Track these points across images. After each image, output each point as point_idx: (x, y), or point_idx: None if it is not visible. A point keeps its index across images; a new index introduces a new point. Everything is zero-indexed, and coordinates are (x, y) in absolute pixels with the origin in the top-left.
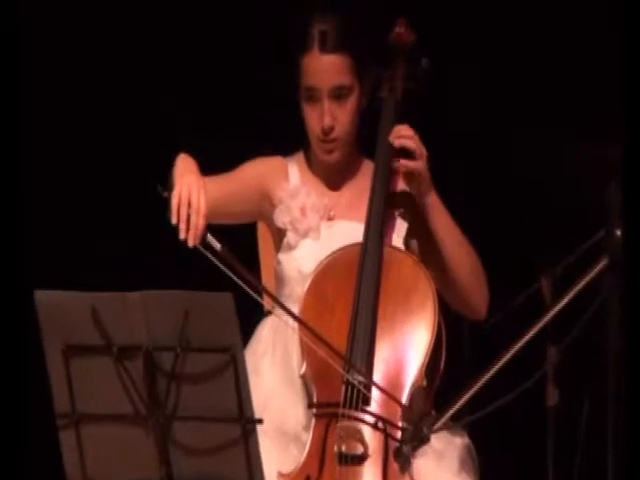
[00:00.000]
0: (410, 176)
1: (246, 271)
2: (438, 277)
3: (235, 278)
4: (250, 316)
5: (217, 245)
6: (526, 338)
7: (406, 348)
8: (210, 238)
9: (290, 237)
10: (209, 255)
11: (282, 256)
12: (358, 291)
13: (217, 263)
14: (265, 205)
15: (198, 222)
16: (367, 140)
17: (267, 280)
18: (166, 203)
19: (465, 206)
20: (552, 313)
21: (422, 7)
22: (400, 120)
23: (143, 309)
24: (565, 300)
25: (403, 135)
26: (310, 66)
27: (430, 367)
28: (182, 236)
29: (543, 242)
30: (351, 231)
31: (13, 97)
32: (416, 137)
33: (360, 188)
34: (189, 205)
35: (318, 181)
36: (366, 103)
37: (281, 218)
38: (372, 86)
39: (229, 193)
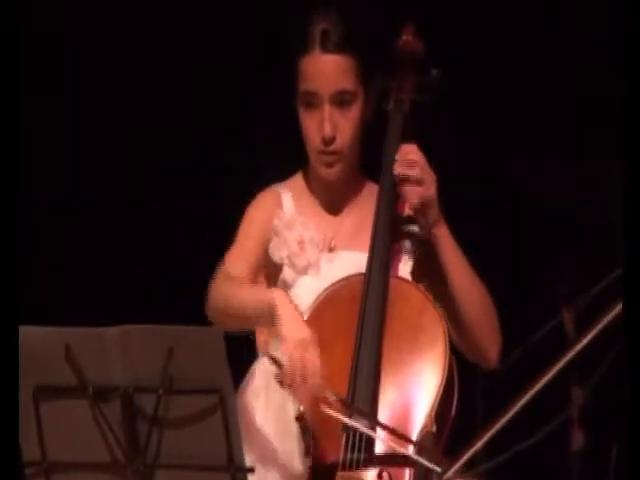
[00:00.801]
0: (417, 204)
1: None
2: (445, 317)
3: None
4: (241, 354)
5: (336, 398)
6: (546, 379)
7: (414, 391)
8: (329, 394)
9: (287, 274)
10: None
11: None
12: (360, 327)
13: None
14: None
15: (315, 385)
16: (371, 160)
17: (260, 334)
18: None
19: (480, 232)
20: (576, 350)
21: (431, 11)
22: (408, 136)
23: (122, 346)
24: (590, 336)
25: (408, 161)
26: (310, 68)
27: (440, 411)
28: (299, 402)
29: (564, 269)
30: (354, 262)
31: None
32: (422, 161)
33: (363, 213)
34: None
35: (316, 205)
36: (371, 115)
37: (277, 252)
38: (377, 97)
39: (258, 254)
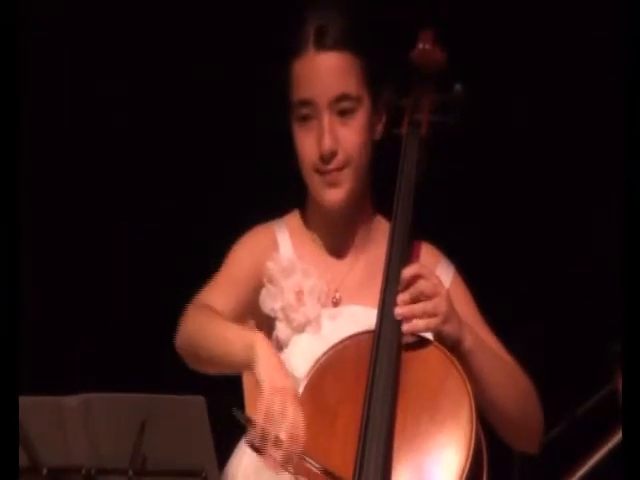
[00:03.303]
0: (435, 334)
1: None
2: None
3: None
4: (227, 426)
5: (318, 468)
6: (599, 456)
7: (433, 470)
8: (309, 460)
9: (280, 330)
10: None
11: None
12: (369, 394)
13: None
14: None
15: (293, 447)
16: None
17: (249, 387)
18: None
19: (523, 288)
20: None
21: (454, 15)
22: (424, 165)
23: (84, 418)
24: None
25: (412, 294)
26: (303, 71)
27: None
28: (270, 466)
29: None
30: (362, 319)
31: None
32: (430, 284)
33: (374, 257)
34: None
35: (318, 247)
36: (381, 131)
37: (269, 303)
38: (389, 111)
39: (236, 297)
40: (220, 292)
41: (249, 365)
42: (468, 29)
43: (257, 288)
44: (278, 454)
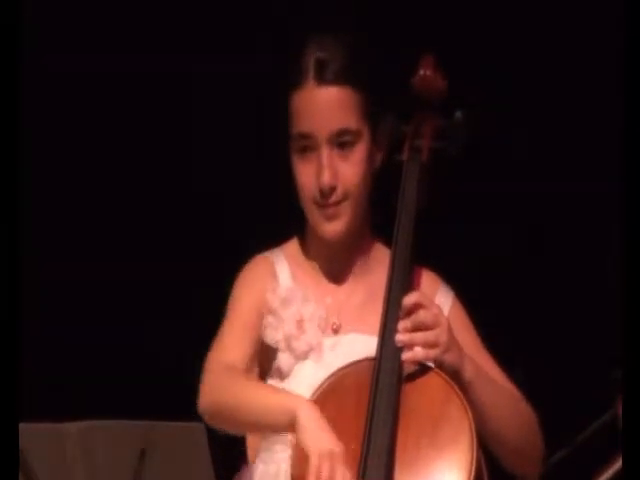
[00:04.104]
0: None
1: None
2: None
3: None
4: (228, 454)
5: None
6: None
7: None
8: None
9: (282, 360)
10: None
11: (272, 383)
12: (370, 420)
13: None
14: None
15: None
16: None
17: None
18: None
19: (523, 312)
20: None
21: (456, 40)
22: (425, 191)
23: (82, 446)
24: None
25: (414, 323)
26: (303, 104)
27: None
28: None
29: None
30: (363, 347)
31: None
32: (431, 314)
33: (374, 284)
34: None
35: (317, 274)
36: (380, 161)
37: (272, 334)
38: (389, 141)
39: (252, 343)
40: (234, 343)
41: (293, 430)
42: (470, 54)
43: (261, 322)
44: None
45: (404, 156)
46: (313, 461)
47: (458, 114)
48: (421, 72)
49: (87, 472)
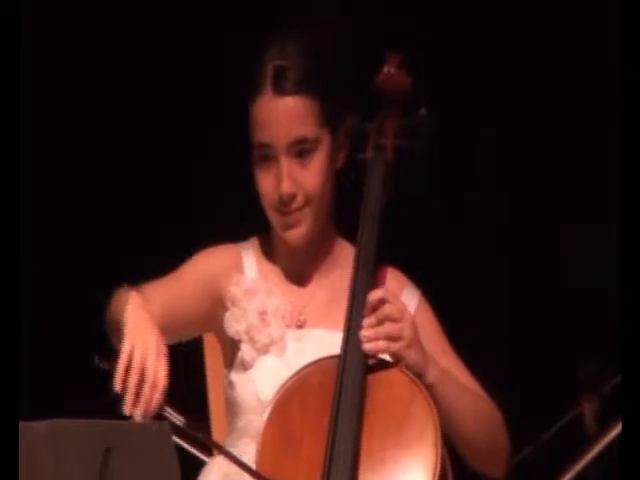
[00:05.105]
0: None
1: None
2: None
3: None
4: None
5: (179, 420)
6: None
7: None
8: (169, 412)
9: (245, 352)
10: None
11: (235, 377)
12: (334, 420)
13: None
14: (219, 310)
15: (153, 398)
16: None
17: (216, 409)
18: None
19: (492, 313)
20: (597, 449)
21: (421, 38)
22: (391, 190)
23: (50, 445)
24: (615, 432)
25: (379, 318)
26: (262, 114)
27: None
28: (128, 411)
29: (586, 353)
30: (327, 342)
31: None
32: (394, 309)
33: (338, 281)
34: (142, 373)
35: (282, 273)
36: (343, 160)
37: (234, 325)
38: (351, 138)
39: (177, 302)
40: (159, 285)
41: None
42: (435, 52)
43: (205, 301)
44: (139, 402)
45: (368, 155)
46: (125, 347)
47: (422, 112)
48: (385, 70)
49: (55, 471)
